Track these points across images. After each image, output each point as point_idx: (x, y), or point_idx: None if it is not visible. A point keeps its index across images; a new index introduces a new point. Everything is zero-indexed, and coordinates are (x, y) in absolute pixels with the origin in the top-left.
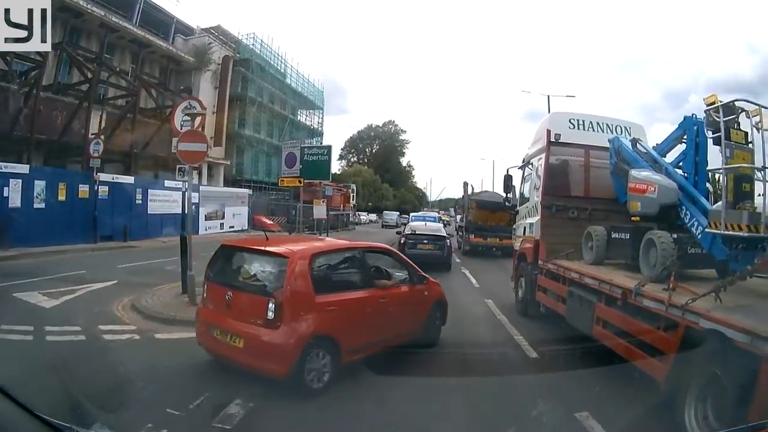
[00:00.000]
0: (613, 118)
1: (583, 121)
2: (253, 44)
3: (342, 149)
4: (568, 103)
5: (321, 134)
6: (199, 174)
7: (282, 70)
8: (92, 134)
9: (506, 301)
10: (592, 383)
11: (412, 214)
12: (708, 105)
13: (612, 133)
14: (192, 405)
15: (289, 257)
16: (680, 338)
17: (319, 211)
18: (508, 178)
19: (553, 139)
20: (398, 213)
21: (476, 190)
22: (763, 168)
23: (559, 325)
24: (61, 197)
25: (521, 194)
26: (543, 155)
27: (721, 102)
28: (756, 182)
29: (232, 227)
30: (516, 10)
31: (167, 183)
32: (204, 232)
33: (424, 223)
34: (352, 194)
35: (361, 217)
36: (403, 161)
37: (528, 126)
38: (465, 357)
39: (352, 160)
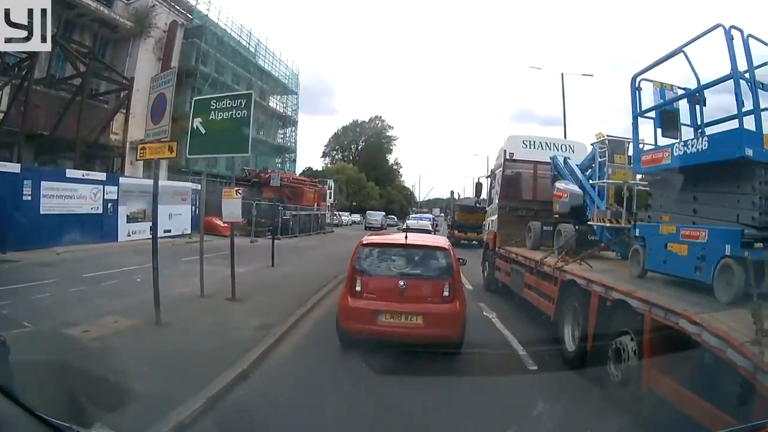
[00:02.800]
0: (559, 138)
1: (534, 142)
2: (211, 11)
3: (326, 146)
4: (585, 83)
5: (295, 123)
6: (122, 161)
7: (251, 48)
8: None
9: (474, 275)
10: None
11: (411, 215)
12: (597, 139)
13: (558, 151)
14: None
15: (449, 249)
16: (559, 288)
17: (231, 208)
18: (478, 186)
19: (508, 158)
20: (384, 213)
21: (465, 194)
22: (625, 183)
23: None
24: None
25: (490, 198)
26: (501, 168)
27: (606, 136)
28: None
29: (168, 231)
30: (506, 6)
31: (70, 173)
32: (126, 238)
33: (417, 221)
34: (329, 192)
35: (343, 217)
36: (390, 159)
37: (517, 126)
38: None
39: (336, 157)
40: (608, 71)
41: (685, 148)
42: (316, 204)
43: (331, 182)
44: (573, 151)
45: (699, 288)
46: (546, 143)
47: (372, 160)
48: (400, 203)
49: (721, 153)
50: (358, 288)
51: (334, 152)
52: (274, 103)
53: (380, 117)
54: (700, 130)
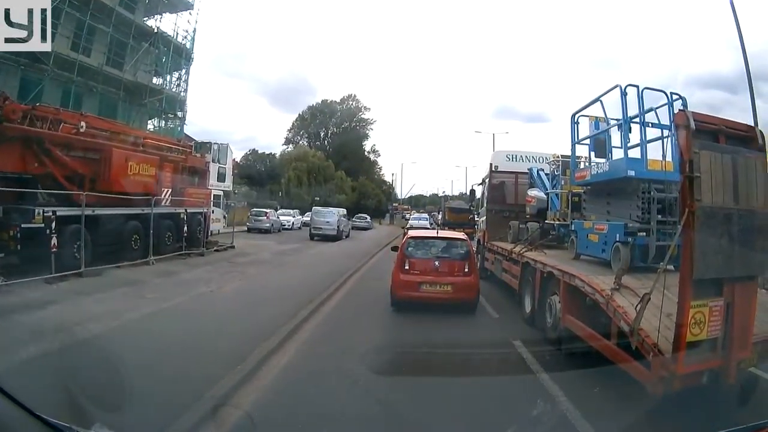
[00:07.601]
0: (537, 152)
1: (516, 155)
2: None
3: (289, 130)
4: None
5: (189, 55)
6: None
7: None
8: None
9: None
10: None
11: (413, 216)
12: (553, 159)
13: (537, 162)
14: None
15: (467, 240)
16: (521, 267)
17: None
18: (472, 192)
19: (493, 169)
20: (342, 212)
21: (452, 190)
22: (570, 191)
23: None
24: None
25: (481, 201)
26: (489, 178)
27: (559, 157)
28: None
29: None
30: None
31: None
32: None
33: (417, 220)
34: (217, 167)
35: (283, 218)
36: (367, 146)
37: (501, 122)
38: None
39: (301, 144)
40: (596, 68)
41: (597, 169)
42: (165, 190)
43: (224, 147)
44: (548, 163)
45: (606, 264)
46: (525, 156)
47: (344, 148)
48: (377, 198)
49: (614, 173)
50: (406, 267)
51: (298, 137)
52: (157, 21)
53: (354, 96)
54: (609, 155)
